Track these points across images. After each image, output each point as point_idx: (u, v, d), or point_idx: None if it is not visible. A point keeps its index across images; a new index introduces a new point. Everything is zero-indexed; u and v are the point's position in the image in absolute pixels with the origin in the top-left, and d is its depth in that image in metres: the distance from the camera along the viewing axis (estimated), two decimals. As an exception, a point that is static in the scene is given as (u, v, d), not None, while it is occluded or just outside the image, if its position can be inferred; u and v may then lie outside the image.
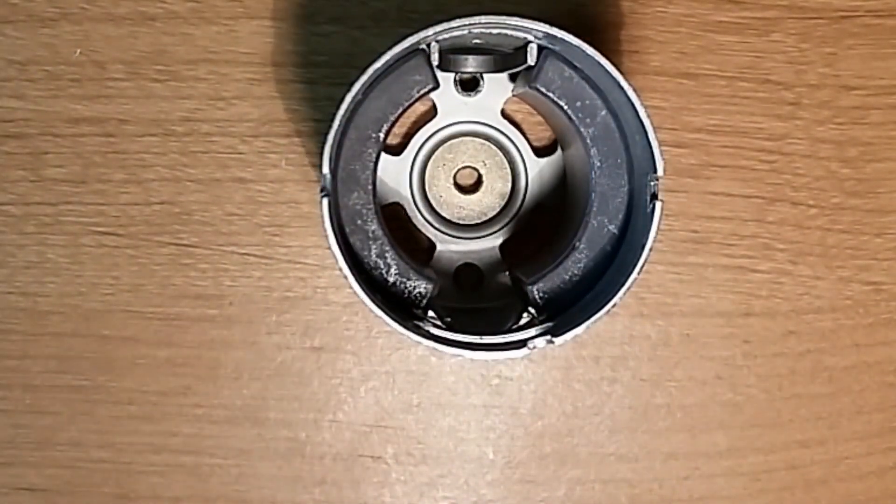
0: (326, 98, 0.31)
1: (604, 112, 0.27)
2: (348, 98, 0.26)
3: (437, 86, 0.27)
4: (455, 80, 0.31)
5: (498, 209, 0.32)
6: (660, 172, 0.26)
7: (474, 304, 0.32)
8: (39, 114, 0.31)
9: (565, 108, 0.27)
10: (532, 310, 0.28)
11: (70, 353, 0.32)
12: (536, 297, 0.27)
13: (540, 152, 0.32)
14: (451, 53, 0.29)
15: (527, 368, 0.33)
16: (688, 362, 0.33)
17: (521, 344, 0.26)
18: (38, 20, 0.31)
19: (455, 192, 0.32)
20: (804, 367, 0.33)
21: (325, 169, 0.26)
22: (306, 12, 0.31)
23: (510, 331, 0.27)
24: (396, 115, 0.27)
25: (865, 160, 0.32)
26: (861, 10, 0.32)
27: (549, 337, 0.26)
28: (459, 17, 0.25)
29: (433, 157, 0.32)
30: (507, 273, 0.31)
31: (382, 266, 0.27)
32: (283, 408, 0.33)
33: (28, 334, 0.32)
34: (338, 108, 0.26)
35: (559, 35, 0.26)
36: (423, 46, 0.27)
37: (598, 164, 0.27)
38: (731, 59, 0.32)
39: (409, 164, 0.32)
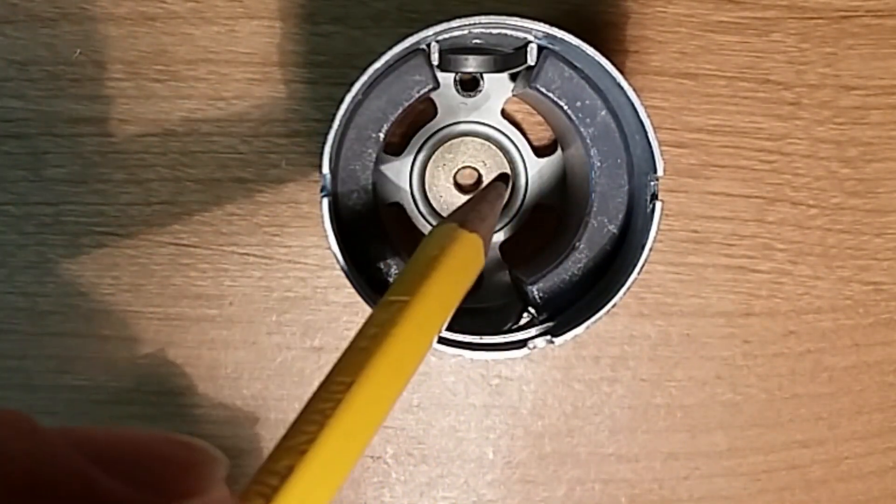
0: (326, 98, 0.31)
1: (604, 112, 0.27)
2: (348, 98, 0.26)
3: (437, 86, 0.27)
4: (455, 80, 0.31)
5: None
6: (660, 172, 0.26)
7: (474, 304, 0.32)
8: (39, 114, 0.31)
9: (565, 108, 0.27)
10: (532, 310, 0.28)
11: (70, 353, 0.32)
12: (536, 297, 0.27)
13: (540, 152, 0.32)
14: (451, 53, 0.29)
15: (527, 368, 0.33)
16: (688, 362, 0.33)
17: (521, 344, 0.26)
18: (38, 20, 0.31)
19: (455, 192, 0.32)
20: (804, 367, 0.33)
21: (325, 169, 0.26)
22: (306, 12, 0.31)
23: (510, 331, 0.27)
24: (396, 115, 0.27)
25: (865, 160, 0.32)
26: (861, 10, 0.32)
27: (549, 337, 0.26)
28: (459, 17, 0.26)
29: (433, 157, 0.32)
30: (507, 273, 0.31)
31: (382, 266, 0.27)
32: (283, 408, 0.33)
33: (28, 334, 0.32)
34: (338, 108, 0.26)
35: (559, 35, 0.26)
36: (423, 46, 0.27)
37: (598, 164, 0.27)
38: (731, 59, 0.32)
39: (409, 164, 0.32)
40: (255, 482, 0.14)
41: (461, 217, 0.22)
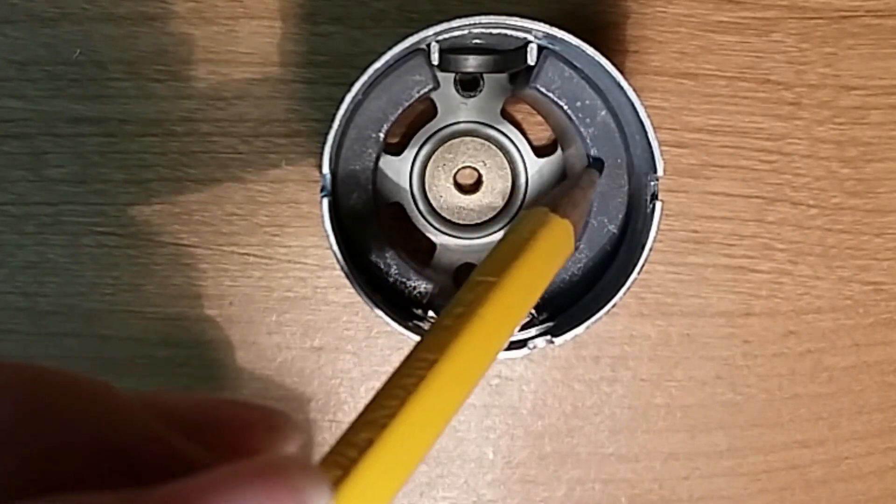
0: (326, 98, 0.31)
1: (604, 112, 0.27)
2: (348, 98, 0.26)
3: (437, 86, 0.27)
4: (455, 80, 0.31)
5: (498, 209, 0.32)
6: (660, 172, 0.26)
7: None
8: (39, 114, 0.31)
9: (565, 108, 0.27)
10: (532, 310, 0.28)
11: (70, 353, 0.32)
12: (536, 297, 0.27)
13: (540, 152, 0.32)
14: (451, 53, 0.29)
15: (527, 368, 0.33)
16: (688, 362, 0.33)
17: (521, 344, 0.26)
18: (38, 20, 0.31)
19: (455, 192, 0.32)
20: (804, 367, 0.33)
21: (325, 169, 0.26)
22: (306, 12, 0.31)
23: (510, 331, 0.27)
24: (396, 115, 0.27)
25: (865, 160, 0.32)
26: (861, 10, 0.32)
27: (549, 337, 0.26)
28: (459, 17, 0.26)
29: (433, 157, 0.32)
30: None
31: (382, 266, 0.27)
32: (283, 408, 0.33)
33: (28, 334, 0.32)
34: (338, 108, 0.26)
35: (559, 35, 0.26)
36: (423, 46, 0.27)
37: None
38: (731, 59, 0.32)
39: (409, 164, 0.32)
40: (334, 453, 0.14)
41: (553, 202, 0.22)
